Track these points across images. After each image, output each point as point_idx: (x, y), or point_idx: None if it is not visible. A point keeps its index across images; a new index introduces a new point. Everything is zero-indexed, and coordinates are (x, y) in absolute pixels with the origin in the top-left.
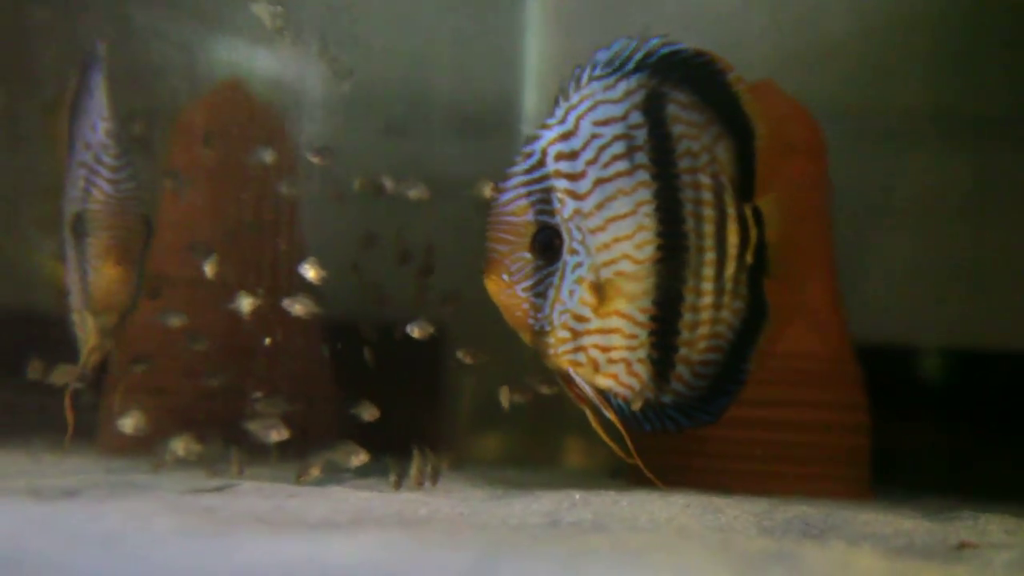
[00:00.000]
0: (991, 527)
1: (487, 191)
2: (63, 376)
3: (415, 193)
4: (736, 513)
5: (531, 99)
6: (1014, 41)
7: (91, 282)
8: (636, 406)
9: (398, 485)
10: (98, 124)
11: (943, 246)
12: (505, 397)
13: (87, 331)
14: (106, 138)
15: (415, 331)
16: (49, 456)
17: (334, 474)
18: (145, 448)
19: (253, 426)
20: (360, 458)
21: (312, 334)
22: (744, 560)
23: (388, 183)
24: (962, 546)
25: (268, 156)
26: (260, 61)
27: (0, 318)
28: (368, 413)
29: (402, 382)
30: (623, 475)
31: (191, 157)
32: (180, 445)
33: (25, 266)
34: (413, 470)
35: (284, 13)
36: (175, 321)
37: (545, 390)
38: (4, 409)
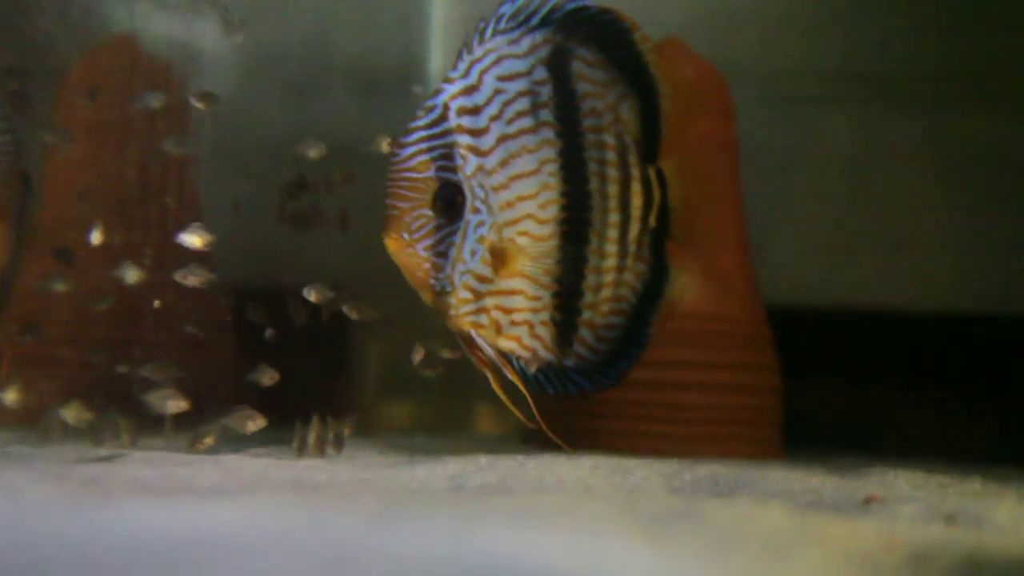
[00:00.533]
0: (898, 482)
1: (384, 146)
2: None
3: (315, 152)
4: (645, 473)
5: (437, 58)
6: None
7: None
8: (532, 368)
9: (300, 452)
10: None
11: (852, 206)
12: (418, 355)
13: None
14: None
15: (312, 295)
16: None
17: (232, 443)
18: (31, 419)
19: (149, 397)
20: (257, 423)
21: (207, 297)
22: (650, 518)
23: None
24: (868, 500)
25: (155, 109)
26: (150, 15)
27: None
28: (267, 377)
29: (306, 346)
30: (535, 440)
31: (76, 114)
32: (70, 413)
33: None
34: (313, 436)
35: None
36: (60, 285)
37: (447, 355)
38: None
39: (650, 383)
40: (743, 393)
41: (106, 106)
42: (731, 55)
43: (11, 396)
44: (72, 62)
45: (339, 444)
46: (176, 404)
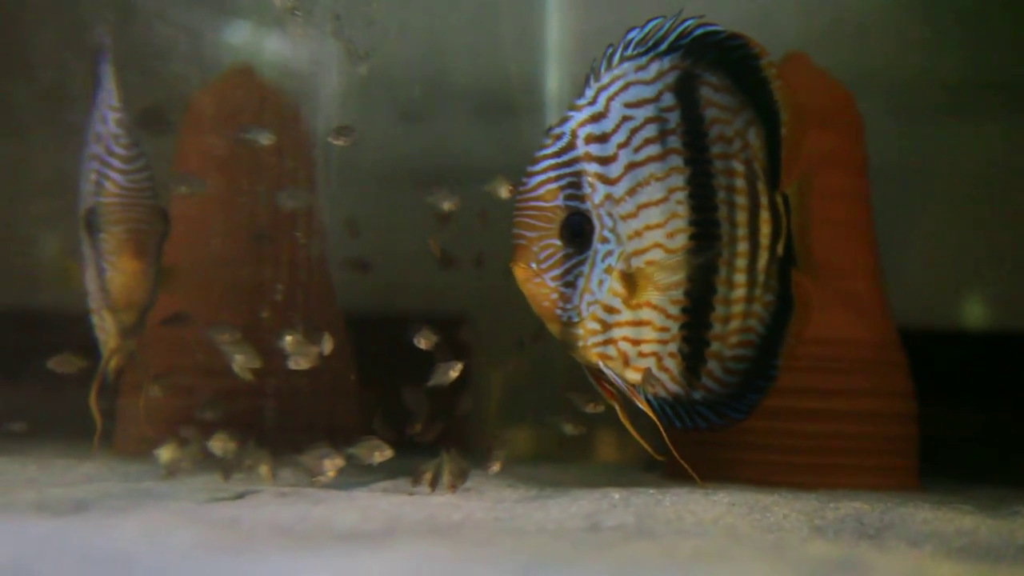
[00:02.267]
0: None
1: (503, 191)
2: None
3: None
4: (785, 512)
5: (553, 79)
6: None
7: (108, 279)
8: (651, 390)
9: (433, 486)
10: (108, 115)
11: (988, 223)
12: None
13: (107, 331)
14: (117, 128)
15: (421, 342)
16: (61, 462)
17: (359, 474)
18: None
19: (358, 448)
20: (384, 454)
21: (335, 328)
22: (805, 568)
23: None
24: None
25: (280, 142)
26: (271, 45)
27: (15, 319)
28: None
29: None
30: (658, 469)
31: (202, 146)
32: (216, 444)
33: (34, 266)
34: (446, 473)
35: None
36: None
37: (592, 409)
38: (13, 413)
39: (782, 412)
40: (878, 421)
41: (232, 140)
42: (855, 69)
43: (166, 455)
44: (196, 96)
45: (464, 477)
46: (383, 454)
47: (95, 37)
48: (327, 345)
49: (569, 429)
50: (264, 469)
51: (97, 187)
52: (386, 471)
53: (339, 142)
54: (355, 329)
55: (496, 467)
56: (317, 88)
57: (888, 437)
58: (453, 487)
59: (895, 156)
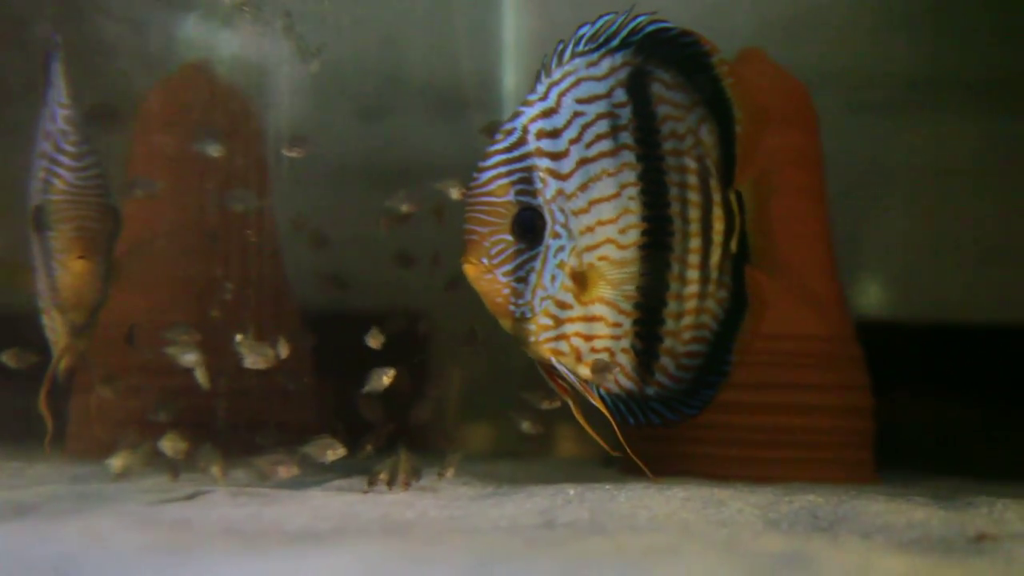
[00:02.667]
0: (1008, 515)
1: (455, 192)
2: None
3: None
4: (740, 506)
5: (510, 76)
6: (1006, 2)
7: (57, 278)
8: (605, 381)
9: (389, 485)
10: (57, 112)
11: (942, 216)
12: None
13: (57, 331)
14: (66, 125)
15: (371, 341)
16: (12, 464)
17: (313, 473)
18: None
19: (310, 447)
20: (336, 452)
21: (288, 325)
22: (754, 562)
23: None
24: (981, 538)
25: (232, 141)
26: (223, 42)
27: None
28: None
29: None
30: (615, 464)
31: (152, 144)
32: (168, 444)
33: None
34: (401, 471)
35: None
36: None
37: (547, 405)
38: None
39: (738, 406)
40: (835, 415)
41: (183, 138)
42: (809, 63)
43: (119, 464)
44: (147, 93)
45: (417, 475)
46: (336, 452)
47: (42, 33)
48: (283, 348)
49: (527, 427)
50: (215, 469)
51: (46, 185)
52: (341, 469)
53: (293, 153)
54: (311, 326)
55: (450, 473)
56: (270, 86)
57: (844, 430)
58: (407, 484)
59: (849, 151)
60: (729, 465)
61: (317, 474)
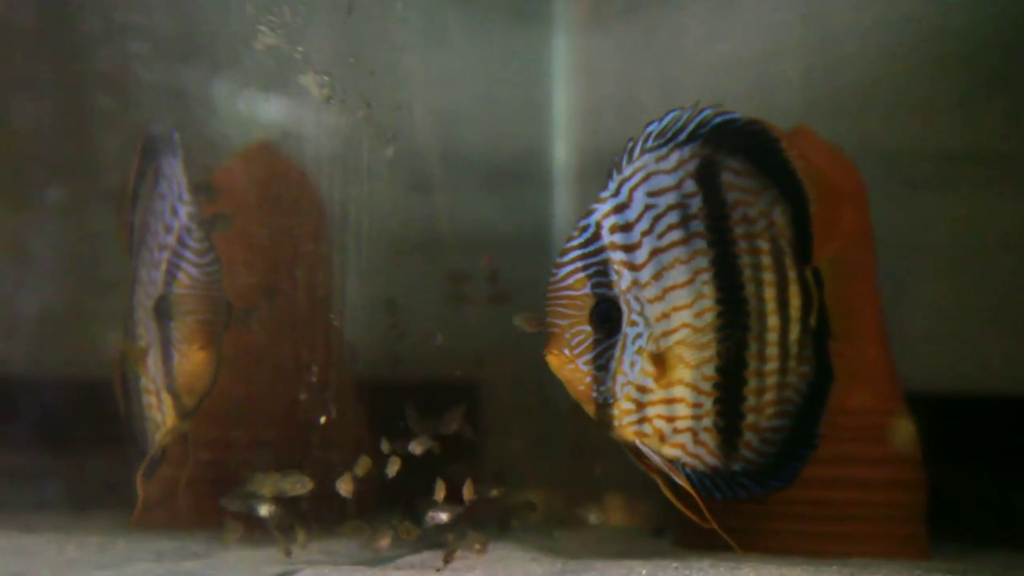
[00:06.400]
0: None
1: (527, 324)
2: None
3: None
4: None
5: (560, 149)
6: None
7: (175, 365)
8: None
9: (447, 561)
10: (180, 208)
11: (988, 289)
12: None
13: (165, 412)
14: (189, 221)
15: (416, 448)
16: (91, 539)
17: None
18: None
19: (432, 512)
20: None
21: (351, 399)
22: None
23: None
24: None
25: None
26: (305, 126)
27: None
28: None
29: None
30: (668, 534)
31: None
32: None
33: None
34: (474, 543)
35: (331, 83)
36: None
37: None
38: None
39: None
40: (888, 489)
41: (249, 218)
42: (854, 139)
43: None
44: (215, 172)
45: (484, 547)
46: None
47: (156, 130)
48: (362, 467)
49: (592, 519)
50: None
51: (169, 277)
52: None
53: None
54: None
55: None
56: (344, 166)
57: (895, 504)
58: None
59: (895, 224)
60: (784, 539)
61: (390, 549)
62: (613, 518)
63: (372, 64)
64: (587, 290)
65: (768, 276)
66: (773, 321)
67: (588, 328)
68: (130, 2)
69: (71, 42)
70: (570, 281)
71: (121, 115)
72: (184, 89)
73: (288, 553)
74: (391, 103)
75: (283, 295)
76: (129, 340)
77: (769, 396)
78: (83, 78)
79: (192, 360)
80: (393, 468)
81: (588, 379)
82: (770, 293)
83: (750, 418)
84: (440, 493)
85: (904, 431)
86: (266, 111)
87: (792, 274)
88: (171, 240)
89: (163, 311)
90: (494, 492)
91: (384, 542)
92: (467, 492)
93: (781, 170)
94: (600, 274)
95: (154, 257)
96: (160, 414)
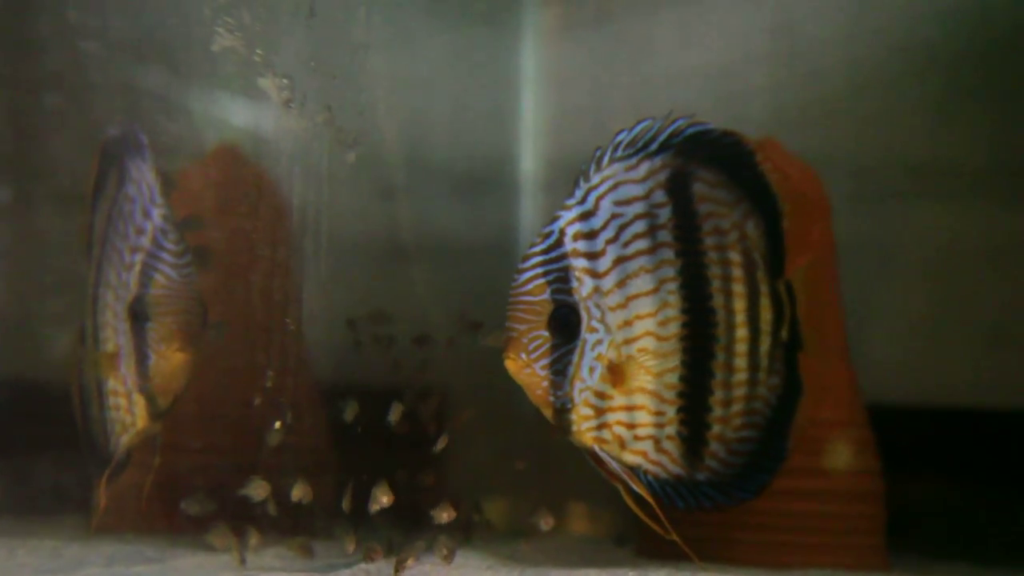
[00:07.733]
0: None
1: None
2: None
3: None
4: None
5: (527, 157)
6: (1016, 92)
7: (152, 366)
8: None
9: (399, 569)
10: (152, 210)
11: (950, 302)
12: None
13: (136, 414)
14: (163, 223)
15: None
16: (45, 543)
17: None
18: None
19: (434, 511)
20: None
21: (315, 405)
22: None
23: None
24: None
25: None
26: (264, 129)
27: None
28: (385, 497)
29: (401, 449)
30: (628, 543)
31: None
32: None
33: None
34: (442, 550)
35: (291, 86)
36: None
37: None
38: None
39: None
40: (847, 500)
41: (214, 215)
42: (821, 151)
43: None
44: (177, 175)
45: (451, 556)
46: (450, 514)
47: (121, 131)
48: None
49: (543, 525)
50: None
51: (144, 278)
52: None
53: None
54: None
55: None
56: (304, 169)
57: (854, 516)
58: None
59: (858, 237)
60: (745, 549)
61: (339, 556)
62: (576, 526)
63: (334, 68)
64: (546, 296)
65: (738, 288)
66: (742, 333)
67: (546, 333)
68: (84, 2)
69: (21, 42)
70: (530, 287)
71: (73, 116)
72: (139, 90)
73: (243, 561)
74: (354, 108)
75: (238, 299)
76: (91, 343)
77: (737, 407)
78: (33, 79)
79: (170, 361)
80: (384, 499)
81: (545, 383)
82: (740, 305)
83: (716, 428)
84: (385, 498)
85: (864, 443)
86: (225, 114)
87: (764, 287)
88: (145, 242)
89: (140, 312)
90: (445, 516)
91: (350, 548)
92: (446, 515)
93: (755, 183)
94: (560, 280)
95: (125, 259)
96: (130, 416)
